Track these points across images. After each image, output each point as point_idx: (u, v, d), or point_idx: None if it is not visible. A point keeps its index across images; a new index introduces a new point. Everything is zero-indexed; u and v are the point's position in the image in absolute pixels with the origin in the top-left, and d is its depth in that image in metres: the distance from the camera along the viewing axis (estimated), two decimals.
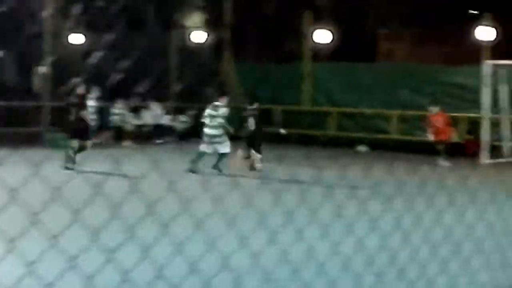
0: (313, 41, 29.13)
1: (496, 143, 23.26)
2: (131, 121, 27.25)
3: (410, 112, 25.67)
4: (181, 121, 28.83)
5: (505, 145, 23.45)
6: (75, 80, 20.34)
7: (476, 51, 25.38)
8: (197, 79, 29.08)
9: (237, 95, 28.50)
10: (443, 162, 21.23)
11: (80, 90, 19.37)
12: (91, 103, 21.33)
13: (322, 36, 28.87)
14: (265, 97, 26.58)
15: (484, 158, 22.69)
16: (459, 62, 26.66)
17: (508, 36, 25.09)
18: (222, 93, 20.62)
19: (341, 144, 25.72)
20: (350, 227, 3.61)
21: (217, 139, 18.78)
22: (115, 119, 26.76)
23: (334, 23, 29.15)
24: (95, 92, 23.56)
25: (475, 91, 23.75)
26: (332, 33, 28.73)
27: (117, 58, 25.35)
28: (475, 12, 23.48)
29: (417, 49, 31.74)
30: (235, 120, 19.99)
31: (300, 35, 29.68)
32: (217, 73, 30.90)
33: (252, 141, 19.32)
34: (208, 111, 19.05)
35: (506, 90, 23.17)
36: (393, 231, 3.65)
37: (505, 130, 23.50)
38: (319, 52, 29.80)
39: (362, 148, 25.27)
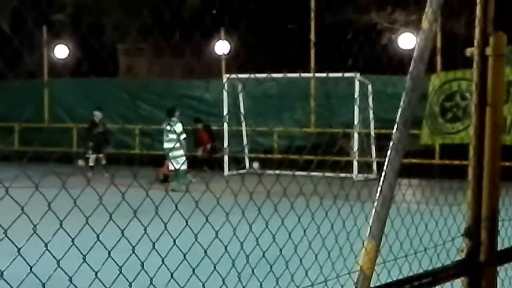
0: (52, 57, 28.54)
1: (238, 155, 23.85)
2: None
3: (151, 127, 25.80)
4: None
5: (246, 157, 24.08)
6: None
7: (215, 65, 25.96)
8: None
9: None
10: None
11: None
12: None
13: (61, 51, 28.37)
14: (6, 115, 25.64)
15: (227, 170, 23.22)
16: (199, 75, 27.17)
17: (243, 51, 25.88)
18: None
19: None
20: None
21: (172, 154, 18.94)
22: None
23: (73, 38, 28.74)
24: None
25: (214, 104, 24.27)
26: (71, 48, 28.30)
27: None
28: (212, 24, 23.99)
29: (157, 63, 31.97)
30: None
31: (38, 50, 28.99)
32: None
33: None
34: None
35: (243, 103, 23.83)
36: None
37: (244, 142, 24.15)
38: (58, 68, 29.24)
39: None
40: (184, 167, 19.56)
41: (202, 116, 24.91)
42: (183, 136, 20.36)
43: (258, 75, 22.73)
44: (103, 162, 23.30)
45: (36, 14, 29.59)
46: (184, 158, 19.68)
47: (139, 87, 27.69)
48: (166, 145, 20.14)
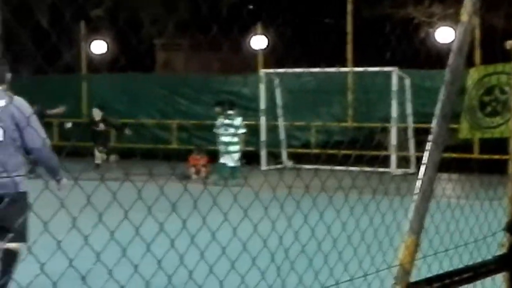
0: (90, 52, 28.71)
1: (275, 150, 23.80)
2: None
3: (189, 122, 25.88)
4: None
5: (283, 152, 24.05)
6: None
7: (252, 59, 25.97)
8: None
9: None
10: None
11: None
12: None
13: (99, 47, 28.51)
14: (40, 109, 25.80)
15: (264, 165, 23.18)
16: (237, 70, 27.20)
17: (280, 45, 25.85)
18: None
19: (126, 156, 25.31)
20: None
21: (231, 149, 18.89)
22: None
23: (111, 33, 28.89)
24: None
25: (251, 99, 24.26)
26: (108, 43, 28.44)
27: None
28: (249, 19, 23.99)
29: (195, 58, 32.06)
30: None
31: (76, 46, 29.19)
32: None
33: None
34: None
35: (280, 97, 23.79)
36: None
37: (282, 137, 24.11)
38: (96, 63, 29.41)
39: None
40: (238, 163, 19.39)
41: (239, 110, 24.95)
42: (243, 130, 20.26)
43: (295, 70, 22.72)
44: (113, 158, 22.92)
45: (74, 9, 29.82)
46: (238, 154, 19.63)
47: (177, 82, 27.76)
48: (224, 138, 19.88)
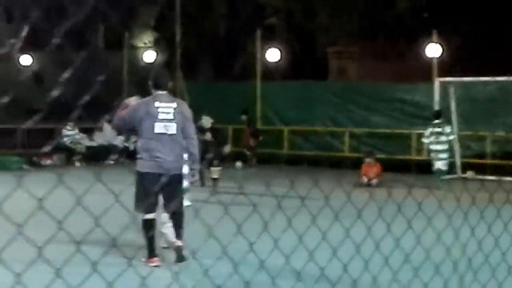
0: (265, 60, 29.10)
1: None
2: (82, 142, 26.81)
3: (361, 130, 25.77)
4: (134, 142, 28.38)
5: (457, 161, 23.51)
6: None
7: (424, 68, 25.58)
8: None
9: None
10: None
11: None
12: None
13: (273, 55, 28.86)
14: (217, 116, 26.47)
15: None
16: (409, 79, 26.87)
17: (452, 54, 25.39)
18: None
19: (295, 163, 25.51)
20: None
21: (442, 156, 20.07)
22: (66, 140, 26.28)
23: (285, 42, 29.23)
24: None
25: (425, 108, 23.88)
26: (283, 52, 28.76)
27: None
28: (424, 27, 23.67)
29: (368, 67, 31.91)
30: None
31: (251, 54, 29.67)
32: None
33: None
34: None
35: (455, 107, 23.28)
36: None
37: (456, 147, 23.60)
38: (270, 71, 29.79)
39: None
40: (445, 167, 19.94)
41: (409, 119, 24.67)
42: (452, 137, 20.66)
43: (471, 79, 22.24)
44: (214, 176, 18.55)
45: (250, 18, 30.38)
46: (448, 160, 20.29)
47: (348, 89, 27.70)
48: (435, 146, 20.35)
